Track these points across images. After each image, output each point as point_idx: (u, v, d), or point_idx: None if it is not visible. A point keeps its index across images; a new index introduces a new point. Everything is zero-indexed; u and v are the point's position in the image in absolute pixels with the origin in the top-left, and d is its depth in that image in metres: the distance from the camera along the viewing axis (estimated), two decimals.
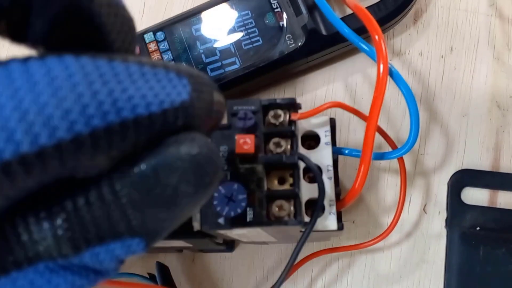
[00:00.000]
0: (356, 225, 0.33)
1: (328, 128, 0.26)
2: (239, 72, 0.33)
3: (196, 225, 0.23)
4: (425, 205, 0.33)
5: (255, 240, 0.28)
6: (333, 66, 0.35)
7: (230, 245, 0.33)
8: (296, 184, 0.23)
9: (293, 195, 0.23)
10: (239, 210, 0.23)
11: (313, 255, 0.30)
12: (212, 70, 0.34)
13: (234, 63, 0.34)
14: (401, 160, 0.29)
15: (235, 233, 0.24)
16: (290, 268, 0.27)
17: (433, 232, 0.33)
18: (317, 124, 0.26)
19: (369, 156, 0.25)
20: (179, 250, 0.31)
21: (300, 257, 0.31)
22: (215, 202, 0.23)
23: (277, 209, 0.23)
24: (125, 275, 0.33)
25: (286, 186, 0.24)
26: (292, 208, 0.23)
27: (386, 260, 0.33)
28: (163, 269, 0.32)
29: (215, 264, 0.34)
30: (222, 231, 0.23)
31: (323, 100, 0.35)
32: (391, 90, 0.34)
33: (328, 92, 0.35)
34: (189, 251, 0.32)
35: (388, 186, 0.33)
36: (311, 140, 0.26)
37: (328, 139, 0.26)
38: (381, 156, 0.27)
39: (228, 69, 0.34)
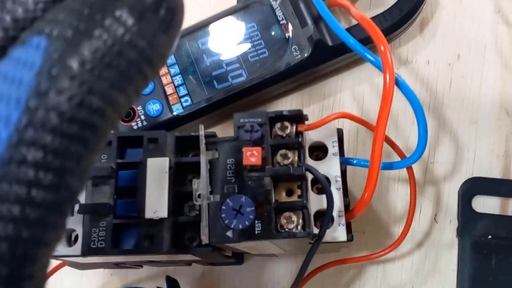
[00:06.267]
0: (366, 236, 0.33)
1: (335, 138, 0.26)
2: (246, 84, 0.34)
3: (205, 239, 0.23)
4: (435, 214, 0.33)
5: (264, 253, 0.28)
6: (340, 76, 0.35)
7: (239, 258, 0.33)
8: (304, 196, 0.23)
9: (301, 207, 0.23)
10: (247, 223, 0.22)
11: (323, 267, 0.30)
12: (219, 82, 0.34)
13: (240, 75, 0.34)
14: (410, 169, 0.29)
15: (244, 245, 0.24)
16: (300, 280, 0.26)
17: (445, 241, 0.32)
18: (325, 135, 0.26)
19: (378, 166, 0.25)
20: (188, 263, 0.31)
21: (310, 269, 0.30)
22: (223, 215, 0.23)
23: (285, 221, 0.23)
24: None
25: (294, 198, 0.24)
26: (300, 220, 0.23)
27: (398, 270, 0.32)
28: (173, 283, 0.32)
29: (224, 277, 0.34)
30: (230, 244, 0.23)
31: (331, 110, 0.35)
32: (399, 99, 0.34)
33: (335, 102, 0.35)
34: (199, 264, 0.32)
35: (398, 196, 0.33)
36: (319, 151, 0.26)
37: (336, 149, 0.26)
38: (389, 166, 0.27)
39: (235, 81, 0.34)
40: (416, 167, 0.32)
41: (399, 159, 0.30)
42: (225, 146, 0.24)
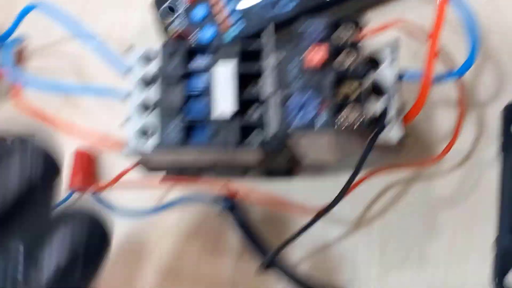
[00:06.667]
0: (410, 153, 0.34)
1: (392, 48, 0.27)
2: (295, 10, 0.35)
3: (270, 130, 0.25)
4: (479, 134, 0.34)
5: (318, 157, 0.30)
6: (389, 5, 0.36)
7: (290, 170, 0.35)
8: (363, 94, 0.25)
9: (360, 105, 0.24)
10: (310, 116, 0.24)
11: (371, 174, 0.32)
12: (272, 7, 0.35)
13: (287, 4, 0.35)
14: (459, 82, 0.30)
15: (303, 143, 0.26)
16: (350, 184, 0.28)
17: (487, 161, 0.34)
18: (382, 44, 0.27)
19: (430, 73, 0.26)
20: (243, 174, 0.32)
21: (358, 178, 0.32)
22: (288, 109, 0.25)
23: (346, 115, 0.24)
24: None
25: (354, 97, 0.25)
26: (360, 115, 0.24)
27: (440, 186, 0.34)
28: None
29: (274, 189, 0.35)
30: (291, 138, 0.25)
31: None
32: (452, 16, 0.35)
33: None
34: (251, 176, 0.34)
35: (443, 117, 0.35)
36: (375, 60, 0.27)
37: (392, 59, 0.27)
38: (440, 78, 0.29)
39: (283, 10, 0.35)
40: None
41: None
42: (290, 47, 0.25)
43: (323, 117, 0.24)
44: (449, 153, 0.32)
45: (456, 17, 0.29)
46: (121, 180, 0.35)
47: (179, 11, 0.36)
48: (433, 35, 0.26)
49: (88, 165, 0.37)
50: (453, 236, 0.34)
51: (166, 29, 0.37)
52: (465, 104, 0.31)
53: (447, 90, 0.35)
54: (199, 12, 0.36)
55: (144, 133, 0.28)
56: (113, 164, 0.38)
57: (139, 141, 0.28)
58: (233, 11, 0.36)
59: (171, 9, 0.37)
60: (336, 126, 0.24)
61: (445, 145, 0.32)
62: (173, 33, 0.36)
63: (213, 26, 0.36)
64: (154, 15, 0.37)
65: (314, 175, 0.35)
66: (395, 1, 0.37)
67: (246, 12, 0.35)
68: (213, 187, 0.36)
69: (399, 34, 0.35)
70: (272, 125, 0.24)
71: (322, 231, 0.35)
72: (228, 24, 0.35)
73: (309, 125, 0.24)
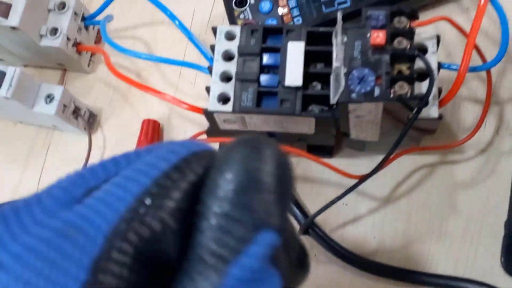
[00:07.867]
0: (438, 142, 0.39)
1: (435, 41, 0.33)
2: (349, 10, 0.40)
3: (334, 98, 0.30)
4: (498, 128, 0.39)
5: (362, 134, 0.35)
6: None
7: (330, 151, 0.40)
8: (413, 72, 0.30)
9: (411, 79, 0.30)
10: (368, 88, 0.30)
11: (404, 152, 0.37)
12: (326, 7, 0.41)
13: (345, 2, 0.41)
14: (488, 73, 0.36)
15: (356, 113, 0.31)
16: (391, 154, 0.33)
17: (504, 151, 0.39)
18: (426, 37, 0.33)
19: (467, 62, 0.32)
20: (294, 142, 0.37)
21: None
22: (349, 82, 0.30)
23: (398, 88, 0.30)
24: None
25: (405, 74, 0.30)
26: (409, 90, 0.30)
27: (462, 171, 0.39)
28: None
29: (315, 167, 0.41)
30: (349, 108, 0.30)
31: None
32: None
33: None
34: (299, 147, 0.39)
35: (468, 112, 0.40)
36: (421, 48, 0.33)
37: (434, 49, 0.33)
38: (474, 69, 0.34)
39: (339, 7, 0.41)
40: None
41: None
42: (353, 32, 0.31)
43: (379, 88, 0.29)
44: (471, 142, 0.38)
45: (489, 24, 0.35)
46: None
47: (249, 3, 0.42)
48: (472, 31, 0.31)
49: (153, 134, 0.43)
50: (469, 216, 0.39)
51: (236, 18, 0.42)
52: (491, 94, 0.36)
53: (474, 88, 0.40)
54: (266, 5, 0.41)
55: (223, 99, 0.33)
56: (176, 134, 0.43)
57: (218, 105, 0.33)
58: (294, 7, 0.41)
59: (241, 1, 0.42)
60: (387, 97, 0.29)
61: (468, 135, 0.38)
62: (243, 22, 0.42)
63: (277, 18, 0.41)
64: (227, 5, 0.42)
65: (349, 158, 0.41)
66: (442, 4, 0.42)
67: (302, 12, 0.41)
68: None
69: (444, 29, 0.41)
70: (336, 93, 0.30)
71: (353, 205, 0.40)
72: (290, 17, 0.41)
73: (367, 95, 0.29)
